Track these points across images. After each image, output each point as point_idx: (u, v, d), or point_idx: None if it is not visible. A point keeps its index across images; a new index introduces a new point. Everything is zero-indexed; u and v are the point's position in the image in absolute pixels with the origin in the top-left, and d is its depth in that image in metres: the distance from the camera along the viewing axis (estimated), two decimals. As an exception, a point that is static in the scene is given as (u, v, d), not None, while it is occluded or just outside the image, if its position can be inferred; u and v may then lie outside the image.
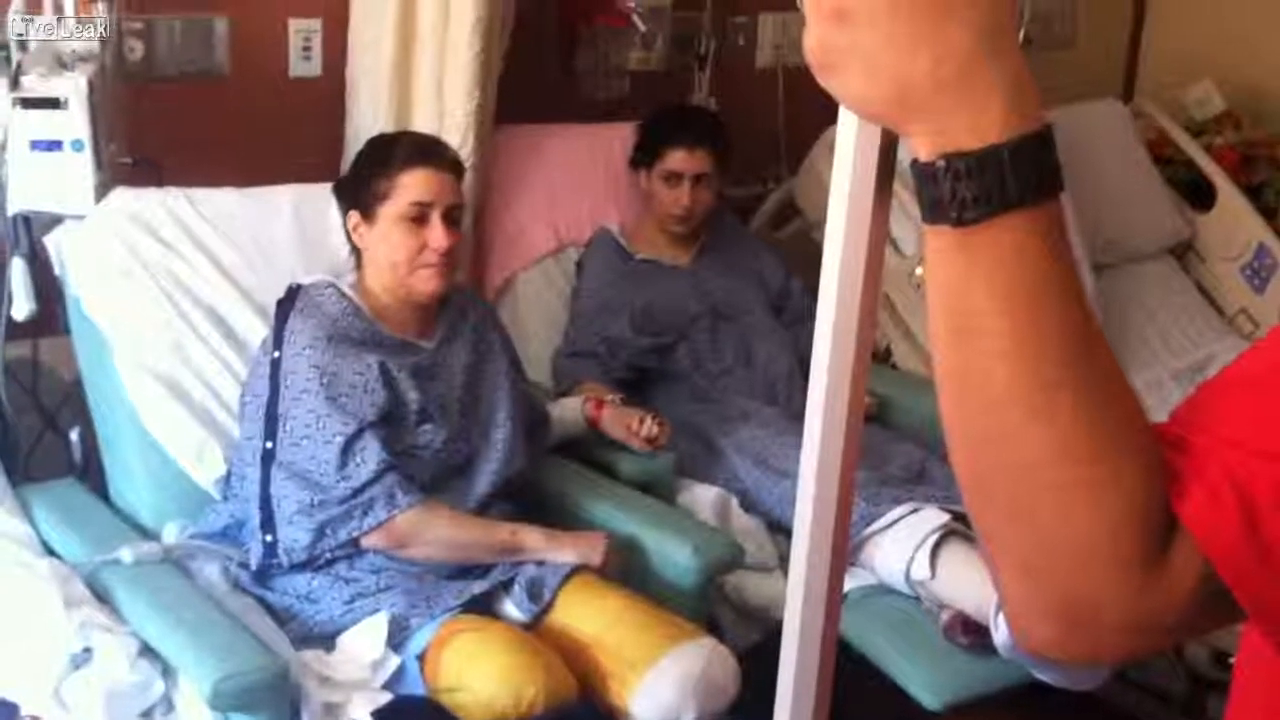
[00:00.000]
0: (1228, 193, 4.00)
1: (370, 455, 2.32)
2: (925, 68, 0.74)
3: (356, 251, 2.56)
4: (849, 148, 0.86)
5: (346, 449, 2.31)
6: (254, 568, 2.35)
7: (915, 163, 0.76)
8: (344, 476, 2.31)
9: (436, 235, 2.46)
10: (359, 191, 2.52)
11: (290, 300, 2.48)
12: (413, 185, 2.46)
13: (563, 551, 2.42)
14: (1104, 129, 3.98)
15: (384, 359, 2.43)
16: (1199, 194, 4.06)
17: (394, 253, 2.47)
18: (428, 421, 2.46)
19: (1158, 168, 4.06)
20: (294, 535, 2.31)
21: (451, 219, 2.50)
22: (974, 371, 0.77)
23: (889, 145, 0.86)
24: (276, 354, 2.40)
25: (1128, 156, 4.01)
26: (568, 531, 2.49)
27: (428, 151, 2.53)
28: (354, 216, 2.52)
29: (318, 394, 2.34)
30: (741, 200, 3.74)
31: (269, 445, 2.34)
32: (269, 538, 2.32)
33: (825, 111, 0.84)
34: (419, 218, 2.46)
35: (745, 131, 3.51)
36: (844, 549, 0.97)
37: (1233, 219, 3.99)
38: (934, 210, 0.75)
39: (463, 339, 2.60)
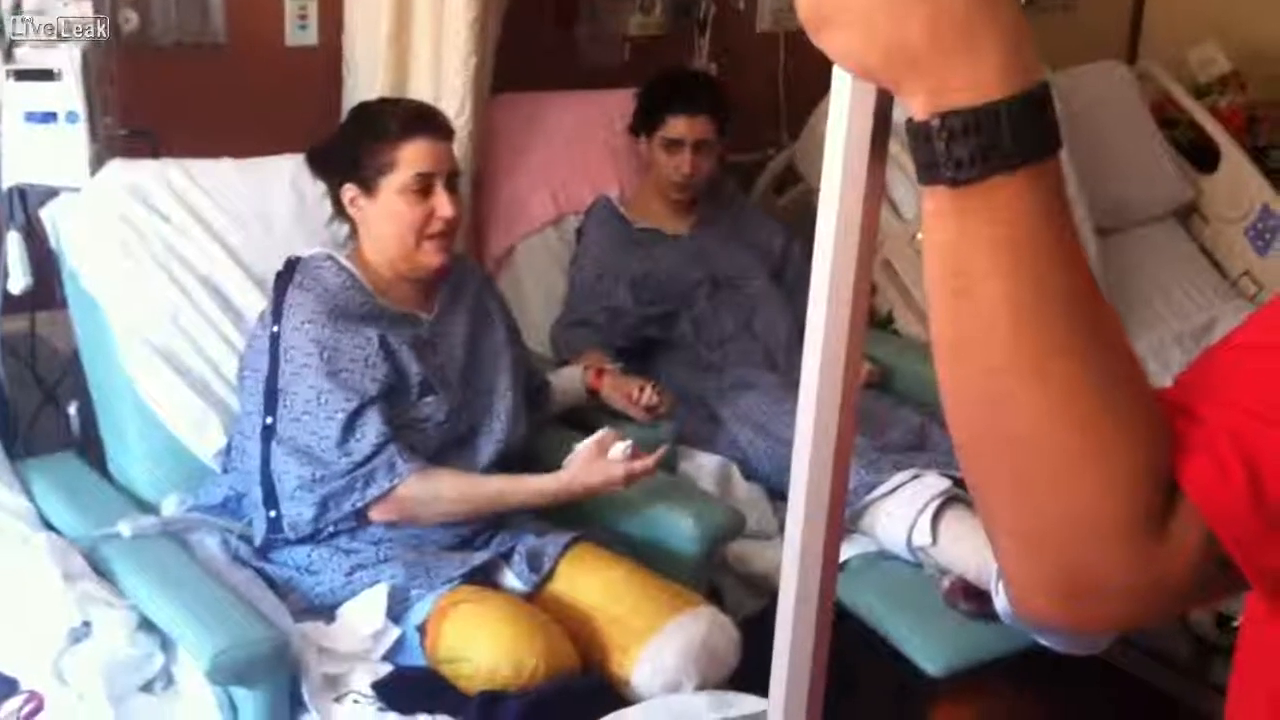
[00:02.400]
0: (1232, 154, 3.98)
1: (370, 429, 2.30)
2: (921, 24, 0.72)
3: (351, 223, 2.53)
4: (843, 108, 0.85)
5: (348, 425, 2.30)
6: (259, 542, 2.35)
7: (910, 122, 0.75)
8: (345, 452, 2.29)
9: (443, 205, 2.43)
10: (355, 164, 2.46)
11: (289, 273, 2.45)
12: (416, 156, 2.43)
13: (586, 480, 2.38)
14: (1107, 91, 3.96)
15: (384, 332, 2.41)
16: (1203, 156, 4.04)
17: (399, 225, 2.44)
18: (430, 394, 2.44)
19: (1161, 130, 4.04)
20: (297, 510, 2.30)
21: (451, 186, 2.47)
22: (971, 335, 0.75)
23: (884, 105, 0.84)
24: (275, 328, 2.38)
25: (1131, 118, 3.99)
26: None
27: (426, 120, 2.49)
28: (350, 189, 2.47)
29: (318, 369, 2.32)
30: (743, 166, 3.73)
31: (269, 420, 2.33)
32: (273, 513, 2.31)
33: (827, 76, 0.83)
34: (423, 189, 2.44)
35: (746, 97, 3.49)
36: (840, 514, 0.96)
37: (1237, 181, 3.98)
38: (929, 170, 0.74)
39: (462, 308, 2.58)
